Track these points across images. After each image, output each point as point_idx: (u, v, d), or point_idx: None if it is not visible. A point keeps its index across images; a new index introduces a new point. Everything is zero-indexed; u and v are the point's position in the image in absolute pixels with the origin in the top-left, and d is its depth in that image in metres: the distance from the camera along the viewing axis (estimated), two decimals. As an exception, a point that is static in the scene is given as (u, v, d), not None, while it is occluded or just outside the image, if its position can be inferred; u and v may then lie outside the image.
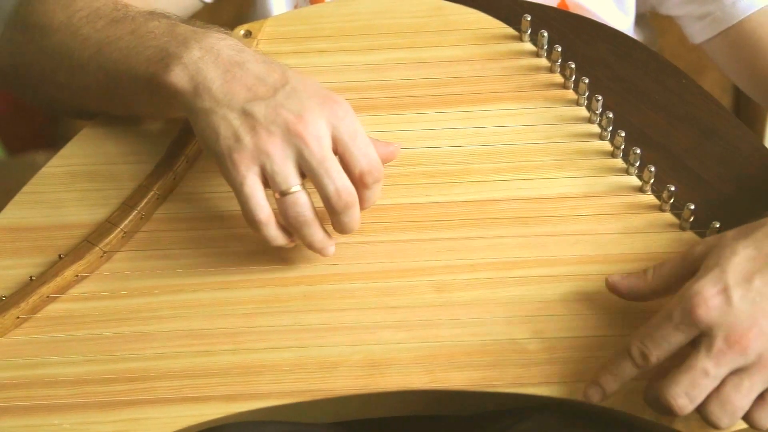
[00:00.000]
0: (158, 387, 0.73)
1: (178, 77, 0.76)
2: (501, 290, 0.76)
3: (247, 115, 0.73)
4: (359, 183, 0.74)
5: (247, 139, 0.72)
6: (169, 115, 0.84)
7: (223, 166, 0.73)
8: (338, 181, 0.73)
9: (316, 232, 0.75)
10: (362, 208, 0.75)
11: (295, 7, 0.98)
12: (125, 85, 0.81)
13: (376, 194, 0.76)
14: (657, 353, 0.68)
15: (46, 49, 0.86)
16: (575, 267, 0.77)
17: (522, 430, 0.73)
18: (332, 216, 0.74)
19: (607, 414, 0.72)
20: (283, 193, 0.73)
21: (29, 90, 0.92)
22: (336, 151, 0.73)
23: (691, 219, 0.78)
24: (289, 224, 0.74)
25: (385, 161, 0.76)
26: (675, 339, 0.67)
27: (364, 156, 0.74)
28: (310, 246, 0.75)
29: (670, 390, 0.66)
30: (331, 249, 0.76)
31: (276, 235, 0.74)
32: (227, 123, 0.73)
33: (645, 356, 0.68)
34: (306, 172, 0.73)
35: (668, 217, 0.80)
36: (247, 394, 0.73)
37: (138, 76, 0.79)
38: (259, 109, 0.73)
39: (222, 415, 0.72)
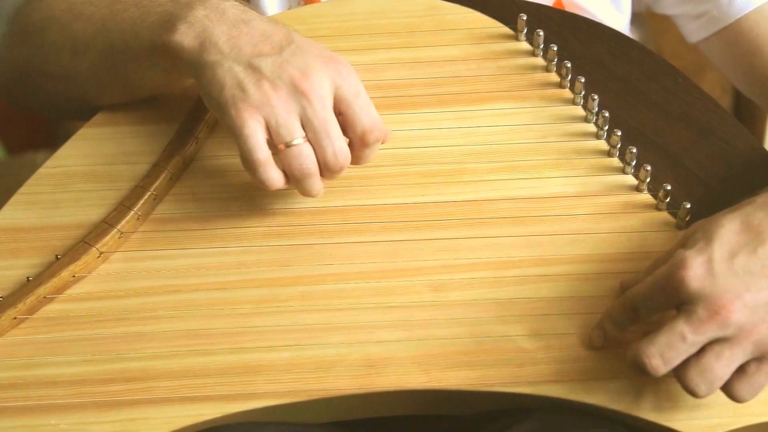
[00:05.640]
0: (156, 387, 0.73)
1: (184, 35, 0.76)
2: (497, 290, 0.76)
3: (253, 68, 0.74)
4: (360, 141, 0.76)
5: (252, 90, 0.74)
6: (174, 83, 0.84)
7: (227, 114, 0.74)
8: (337, 144, 0.75)
9: (317, 182, 0.76)
10: (358, 163, 0.77)
11: (289, 8, 0.98)
12: (131, 55, 0.81)
13: (374, 153, 0.78)
14: (644, 310, 0.70)
15: (48, 38, 0.86)
16: (571, 266, 0.77)
17: (520, 430, 0.73)
18: (322, 173, 0.76)
19: (606, 414, 0.72)
20: (288, 145, 0.74)
21: (26, 94, 0.92)
22: (338, 111, 0.75)
23: (688, 218, 0.78)
24: (292, 175, 0.75)
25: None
26: (659, 301, 0.69)
27: (367, 114, 0.76)
28: (308, 194, 0.77)
29: (646, 349, 0.67)
30: (321, 194, 0.78)
31: (275, 177, 0.75)
32: (233, 75, 0.74)
33: (635, 310, 0.70)
34: (307, 130, 0.74)
35: (664, 216, 0.80)
36: (245, 394, 0.73)
37: (143, 42, 0.79)
38: (266, 64, 0.74)
39: (220, 415, 0.73)
